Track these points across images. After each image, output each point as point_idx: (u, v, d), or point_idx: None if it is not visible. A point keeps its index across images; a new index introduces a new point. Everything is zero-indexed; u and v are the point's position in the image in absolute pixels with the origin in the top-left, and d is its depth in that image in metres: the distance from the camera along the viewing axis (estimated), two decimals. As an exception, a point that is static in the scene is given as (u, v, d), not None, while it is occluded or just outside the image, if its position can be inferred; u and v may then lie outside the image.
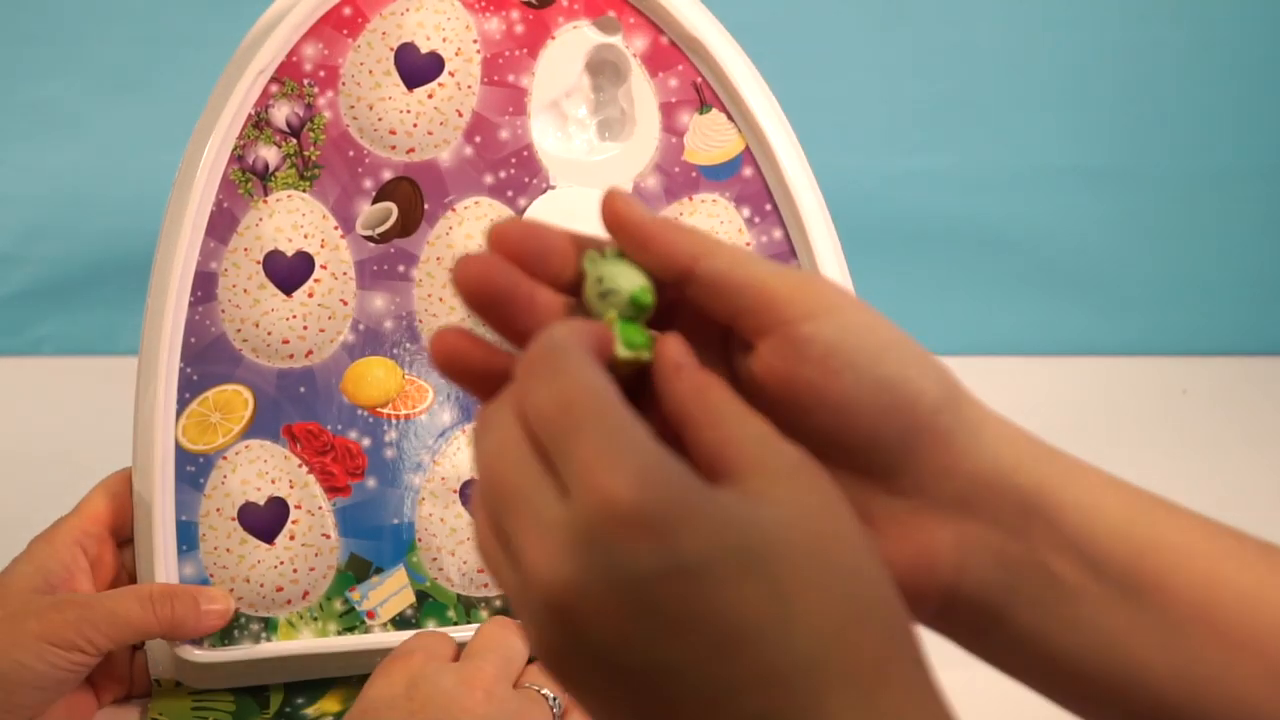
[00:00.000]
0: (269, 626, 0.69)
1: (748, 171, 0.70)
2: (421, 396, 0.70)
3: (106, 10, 0.98)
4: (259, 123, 0.67)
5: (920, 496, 0.38)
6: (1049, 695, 0.40)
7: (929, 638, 0.37)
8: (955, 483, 0.38)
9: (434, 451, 0.70)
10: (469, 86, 0.68)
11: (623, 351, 0.36)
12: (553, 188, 0.69)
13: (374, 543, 0.70)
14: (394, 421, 0.70)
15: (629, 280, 0.37)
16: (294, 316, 0.69)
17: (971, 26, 1.00)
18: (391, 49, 0.68)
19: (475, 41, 0.68)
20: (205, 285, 0.68)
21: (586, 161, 0.70)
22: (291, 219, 0.68)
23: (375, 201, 0.69)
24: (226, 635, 0.69)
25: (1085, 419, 0.97)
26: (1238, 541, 0.40)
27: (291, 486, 0.69)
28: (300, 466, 0.69)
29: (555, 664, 0.34)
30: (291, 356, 0.69)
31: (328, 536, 0.69)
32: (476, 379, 0.38)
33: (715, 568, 0.32)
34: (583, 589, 0.32)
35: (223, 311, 0.68)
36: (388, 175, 0.68)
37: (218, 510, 0.69)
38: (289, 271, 0.68)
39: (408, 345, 0.69)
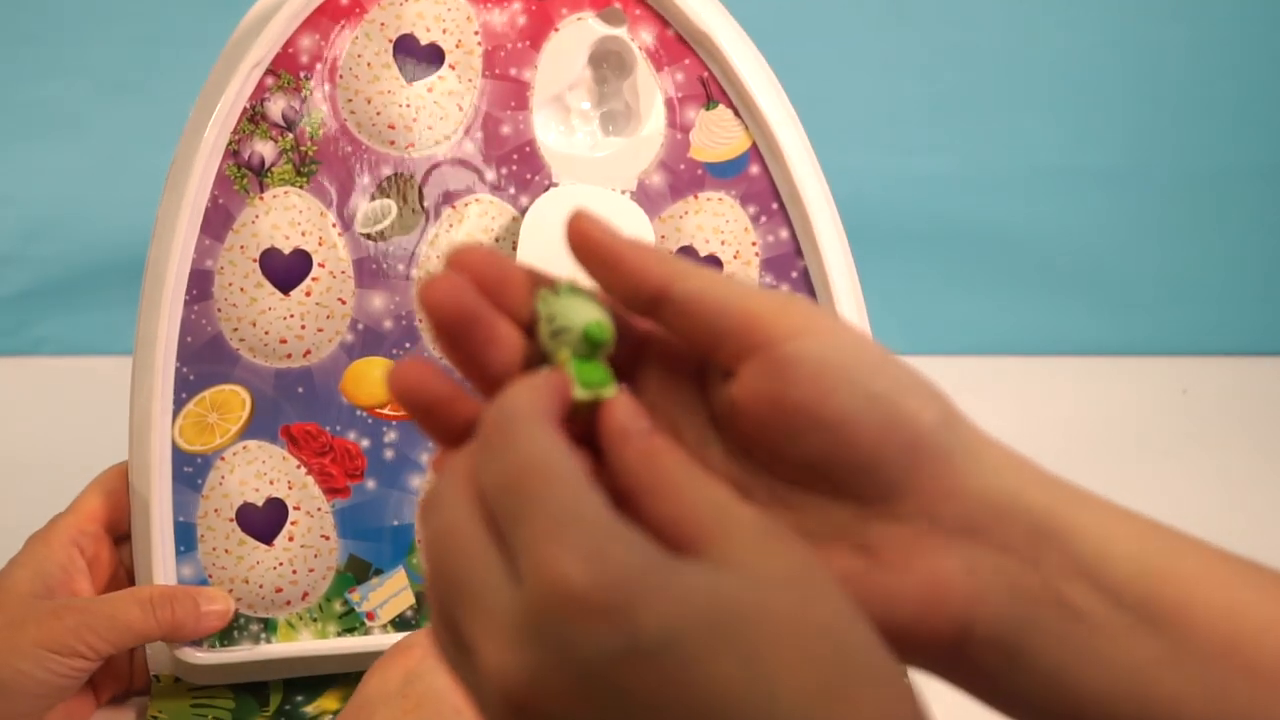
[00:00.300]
0: (269, 627, 0.69)
1: (754, 169, 0.69)
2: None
3: (106, 10, 0.98)
4: (254, 117, 0.67)
5: (924, 521, 0.36)
6: None
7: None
8: (960, 505, 0.36)
9: (433, 453, 0.70)
10: (470, 80, 0.68)
11: (579, 393, 0.35)
12: (555, 185, 0.69)
13: (374, 544, 0.70)
14: (393, 422, 0.69)
15: (581, 315, 0.35)
16: (292, 316, 0.68)
17: (974, 26, 1.00)
18: (390, 41, 0.67)
19: (476, 33, 0.68)
20: (201, 283, 0.68)
21: (590, 158, 0.69)
22: (288, 216, 0.68)
23: (374, 198, 0.68)
24: (226, 636, 0.68)
25: (1086, 419, 0.97)
26: (1255, 570, 0.38)
27: (290, 487, 0.69)
28: (299, 467, 0.69)
29: None
30: (289, 356, 0.69)
31: (327, 538, 0.69)
32: (436, 419, 0.36)
33: (681, 644, 0.30)
34: (540, 683, 0.30)
35: (219, 310, 0.68)
36: (386, 171, 0.68)
37: (216, 511, 0.68)
38: (286, 270, 0.68)
39: (407, 345, 0.69)
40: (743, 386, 0.36)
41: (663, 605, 0.30)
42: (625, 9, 0.68)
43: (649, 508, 0.33)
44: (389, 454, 0.69)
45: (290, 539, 0.69)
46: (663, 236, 0.69)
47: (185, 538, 0.68)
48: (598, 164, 0.69)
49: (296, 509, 0.69)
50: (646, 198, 0.69)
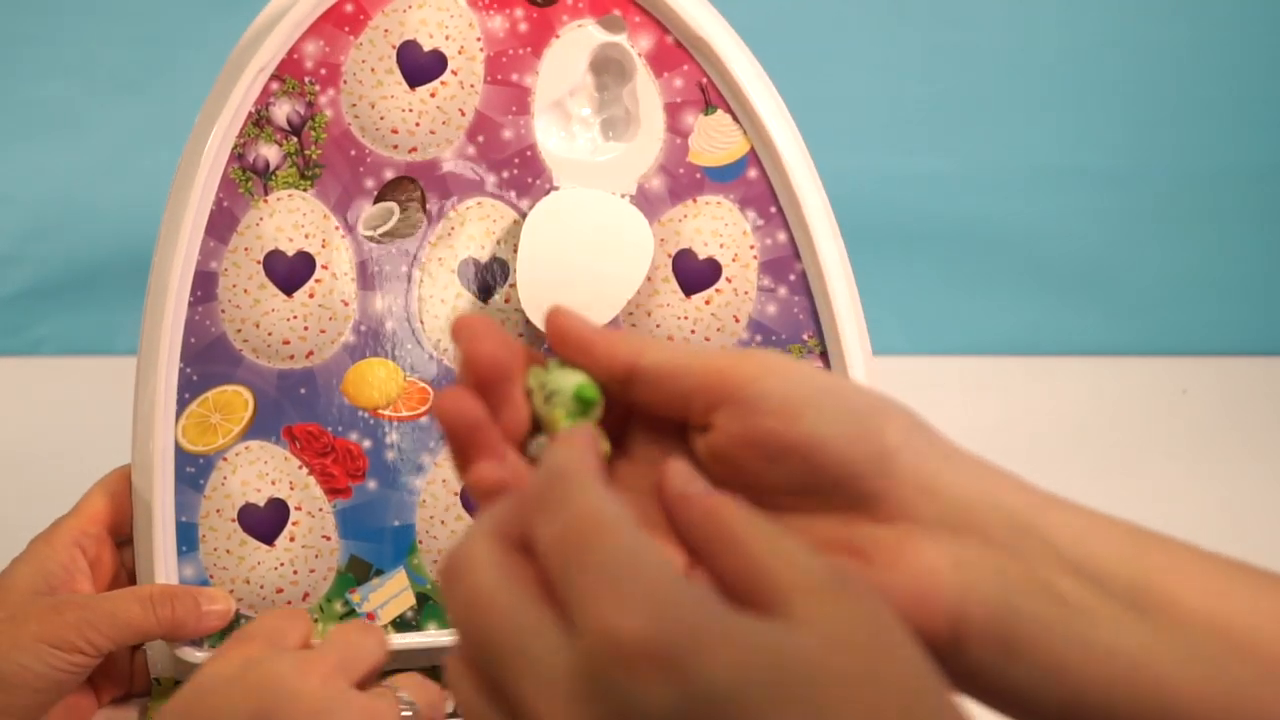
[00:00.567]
0: (269, 628, 0.69)
1: (753, 173, 0.70)
2: (423, 398, 0.70)
3: (106, 10, 0.98)
4: (259, 121, 0.67)
5: (906, 520, 0.38)
6: None
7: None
8: (939, 504, 0.38)
9: (435, 454, 0.70)
10: (472, 85, 0.68)
11: None
12: (556, 189, 0.69)
13: (375, 545, 0.70)
14: (395, 423, 0.69)
15: (570, 380, 0.39)
16: (294, 317, 0.68)
17: (973, 27, 1.00)
18: (394, 46, 0.67)
19: (479, 39, 0.68)
20: (205, 285, 0.68)
21: (590, 162, 0.69)
22: (292, 218, 0.68)
23: (377, 201, 0.68)
24: (227, 636, 0.69)
25: (1085, 419, 0.97)
26: (1234, 563, 0.39)
27: (292, 488, 0.69)
28: (300, 468, 0.69)
29: None
30: (292, 357, 0.69)
31: (328, 538, 0.69)
32: (472, 445, 0.38)
33: (744, 699, 0.29)
34: None
35: (223, 311, 0.68)
36: (389, 175, 0.68)
37: (218, 511, 0.69)
38: (290, 271, 0.68)
39: (409, 347, 0.69)
40: (719, 433, 0.38)
41: (724, 657, 0.30)
42: (625, 16, 0.68)
43: (717, 564, 0.33)
44: (390, 455, 0.70)
45: (291, 539, 0.69)
46: (662, 239, 0.69)
47: (187, 538, 0.68)
48: (598, 168, 0.69)
49: (298, 509, 0.69)
50: (646, 201, 0.69)
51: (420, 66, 0.67)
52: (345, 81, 0.67)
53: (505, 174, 0.69)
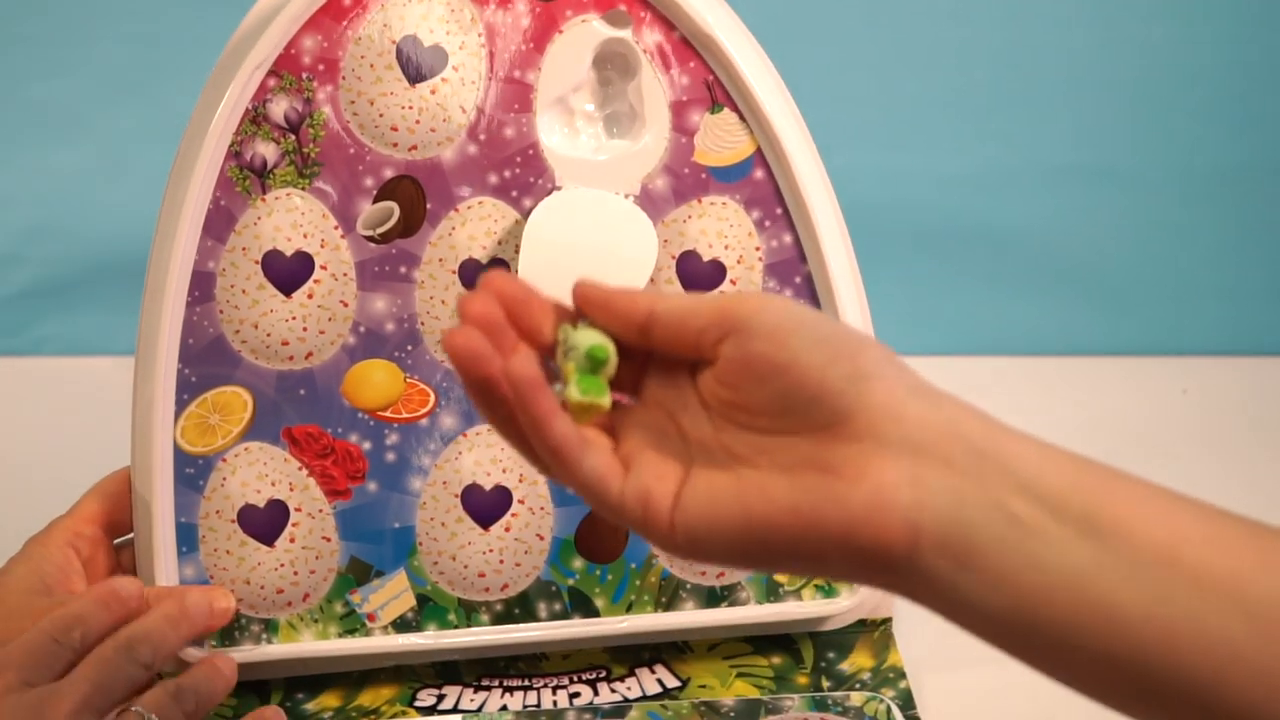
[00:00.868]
0: (270, 628, 0.69)
1: (759, 174, 0.69)
2: (423, 400, 0.69)
3: (106, 10, 0.98)
4: (256, 118, 0.67)
5: (872, 440, 0.41)
6: (1031, 660, 0.41)
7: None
8: (904, 427, 0.41)
9: (435, 455, 0.70)
10: (473, 82, 0.68)
11: (576, 396, 0.43)
12: (559, 188, 0.68)
13: (375, 546, 0.70)
14: (395, 425, 0.69)
15: (587, 339, 0.44)
16: (294, 318, 0.68)
17: (977, 26, 1.00)
18: (393, 42, 0.67)
19: (480, 35, 0.68)
20: (203, 285, 0.67)
21: (593, 161, 0.69)
22: (290, 218, 0.68)
23: (376, 200, 0.68)
24: (227, 636, 0.69)
25: (1085, 419, 0.97)
26: (1192, 500, 0.41)
27: (291, 489, 0.69)
28: (300, 469, 0.69)
29: None
30: (291, 358, 0.69)
31: (328, 539, 0.69)
32: (488, 392, 0.42)
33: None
34: None
35: (221, 312, 0.68)
36: (389, 173, 0.68)
37: (217, 512, 0.68)
38: (288, 272, 0.68)
39: (409, 348, 0.69)
40: (724, 361, 0.44)
41: None
42: (630, 11, 0.67)
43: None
44: (390, 456, 0.69)
45: (291, 540, 0.69)
46: (665, 240, 0.69)
47: (187, 538, 0.68)
48: (601, 167, 0.69)
49: (298, 510, 0.69)
50: (650, 201, 0.69)
51: (421, 62, 0.67)
52: (344, 78, 0.67)
53: (507, 173, 0.68)
